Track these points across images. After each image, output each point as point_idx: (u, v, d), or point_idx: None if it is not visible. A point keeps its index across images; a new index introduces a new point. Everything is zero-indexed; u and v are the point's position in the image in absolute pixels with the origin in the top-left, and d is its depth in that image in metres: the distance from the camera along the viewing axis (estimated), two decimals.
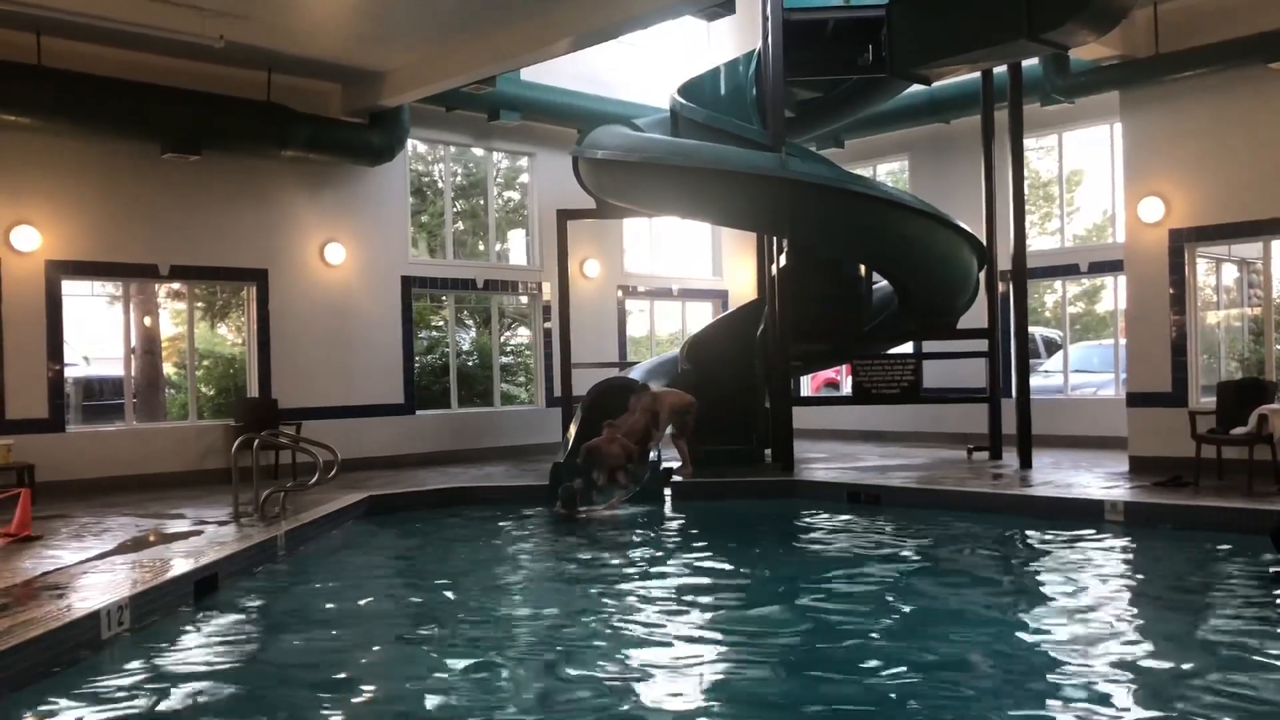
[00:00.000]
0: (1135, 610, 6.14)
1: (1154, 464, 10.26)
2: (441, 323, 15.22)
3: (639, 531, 9.06)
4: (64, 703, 4.60)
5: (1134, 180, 10.99)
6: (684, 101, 12.46)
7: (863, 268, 12.15)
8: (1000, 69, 11.48)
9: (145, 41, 10.53)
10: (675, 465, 11.00)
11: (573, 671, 5.06)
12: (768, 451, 12.10)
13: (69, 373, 11.92)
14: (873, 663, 5.11)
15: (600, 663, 5.19)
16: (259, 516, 8.45)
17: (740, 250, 16.72)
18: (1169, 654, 5.14)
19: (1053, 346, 16.04)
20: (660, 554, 8.20)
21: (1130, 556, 7.57)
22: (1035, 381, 12.98)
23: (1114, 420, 12.05)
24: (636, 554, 8.19)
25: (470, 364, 15.50)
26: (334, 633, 6.01)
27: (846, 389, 15.16)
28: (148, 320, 14.45)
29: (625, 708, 4.54)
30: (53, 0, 9.07)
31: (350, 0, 10.23)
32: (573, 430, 11.32)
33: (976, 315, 12.15)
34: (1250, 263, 11.62)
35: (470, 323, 16.25)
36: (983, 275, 11.93)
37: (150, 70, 11.11)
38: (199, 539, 7.69)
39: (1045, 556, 7.59)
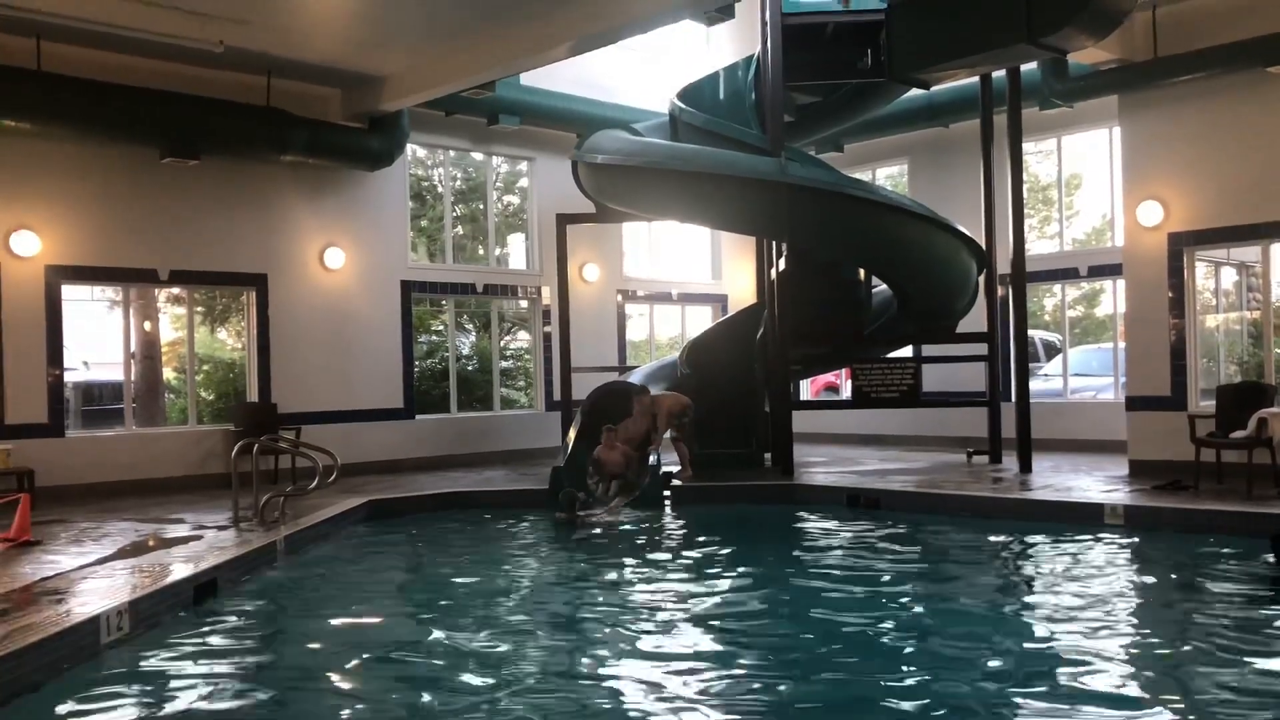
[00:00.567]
0: (1134, 614, 6.14)
1: (1153, 468, 10.25)
2: (441, 327, 15.22)
3: (639, 536, 9.06)
4: (63, 708, 4.59)
5: (1133, 184, 10.99)
6: (683, 106, 12.48)
7: (862, 272, 12.15)
8: (999, 73, 11.48)
9: (145, 46, 10.53)
10: (675, 469, 10.99)
11: (572, 675, 5.06)
12: (767, 455, 12.10)
13: (69, 378, 11.94)
14: (872, 666, 5.11)
15: (600, 666, 5.19)
16: (258, 521, 8.44)
17: (739, 254, 16.72)
18: (1168, 657, 5.13)
19: (1052, 350, 16.05)
20: (660, 558, 8.19)
21: (1130, 560, 7.56)
22: (1035, 385, 12.99)
23: (1113, 424, 12.05)
24: (637, 558, 8.18)
25: (470, 368, 15.51)
26: (333, 637, 6.01)
27: (846, 393, 15.16)
28: (147, 325, 14.47)
29: (625, 711, 4.54)
30: (53, 5, 9.10)
31: (349, 5, 10.25)
32: (572, 434, 11.32)
33: (976, 319, 12.16)
34: (1249, 266, 11.61)
35: (470, 327, 16.26)
36: (982, 279, 11.94)
37: (150, 75, 11.11)
38: (198, 544, 7.69)
39: (1045, 560, 7.59)
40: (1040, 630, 5.77)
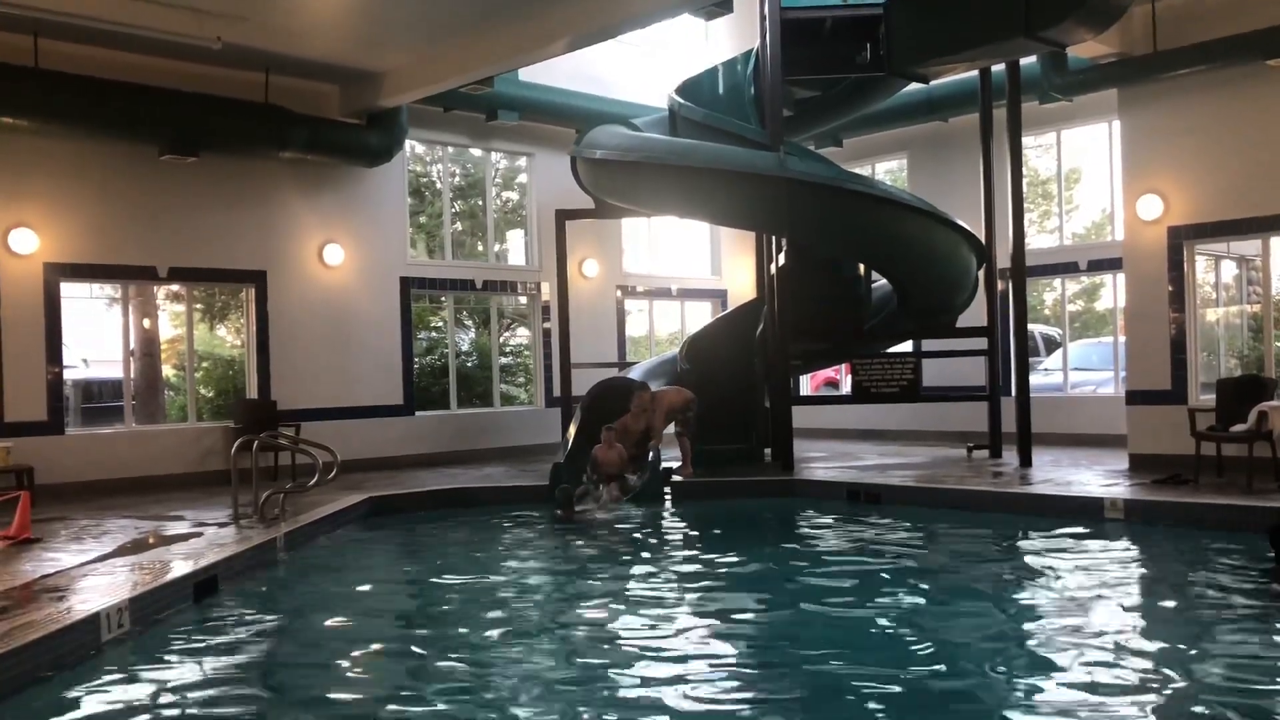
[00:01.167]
0: (1134, 608, 6.13)
1: (1154, 461, 10.26)
2: (440, 323, 15.21)
3: (639, 531, 9.05)
4: (64, 706, 4.59)
5: (1132, 178, 10.99)
6: (682, 101, 12.46)
7: (862, 266, 12.14)
8: (998, 67, 11.47)
9: (143, 43, 10.52)
10: (675, 465, 10.99)
11: (573, 671, 5.06)
12: (767, 451, 12.11)
13: (68, 375, 11.92)
14: (872, 660, 5.11)
15: (601, 662, 5.19)
16: (258, 518, 8.45)
17: (739, 249, 16.71)
18: (1167, 651, 5.13)
19: (1052, 344, 16.04)
20: (660, 554, 8.20)
21: (1130, 554, 7.56)
22: (1035, 380, 12.98)
23: (1113, 418, 12.05)
24: (637, 554, 8.19)
25: (469, 365, 15.50)
26: (334, 635, 6.00)
27: (846, 388, 15.16)
28: (146, 322, 14.44)
29: (625, 707, 4.54)
30: (51, 2, 9.07)
31: (348, 1, 10.23)
32: (572, 430, 11.32)
33: (976, 313, 12.15)
34: (1249, 260, 11.62)
35: (469, 323, 16.24)
36: (982, 273, 11.92)
37: (148, 72, 11.10)
38: (198, 541, 7.69)
39: (1045, 554, 7.59)
40: (1040, 625, 5.77)
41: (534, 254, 15.08)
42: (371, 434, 12.98)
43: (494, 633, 5.79)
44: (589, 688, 4.79)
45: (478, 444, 13.96)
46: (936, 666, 5.05)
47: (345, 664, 5.34)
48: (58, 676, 4.90)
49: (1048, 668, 4.98)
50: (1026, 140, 12.65)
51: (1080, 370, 14.77)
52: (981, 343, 12.02)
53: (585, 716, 4.41)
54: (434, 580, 7.42)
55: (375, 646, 5.75)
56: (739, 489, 10.47)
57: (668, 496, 10.31)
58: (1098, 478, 9.95)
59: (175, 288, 12.99)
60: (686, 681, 4.82)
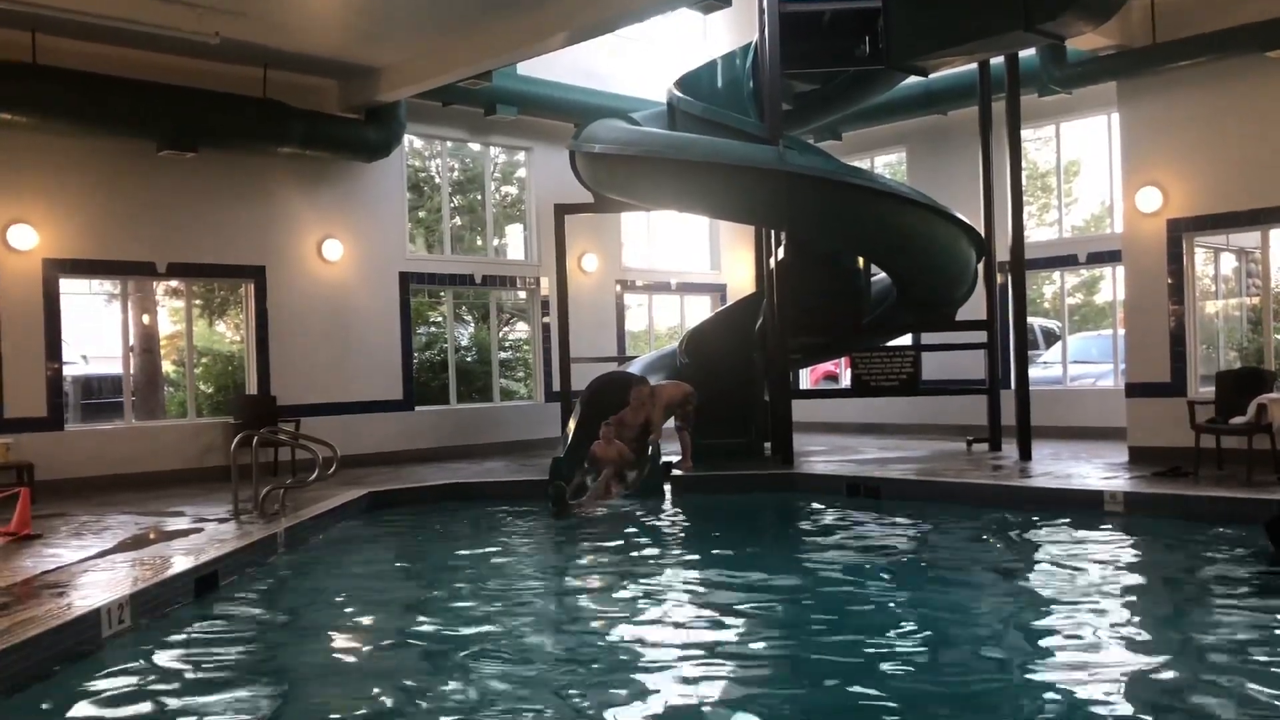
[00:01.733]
0: (1134, 600, 6.14)
1: (1153, 454, 10.26)
2: (440, 318, 15.21)
3: (640, 526, 9.06)
4: (64, 701, 4.59)
5: (1132, 170, 10.98)
6: (681, 95, 12.44)
7: (861, 260, 12.14)
8: (997, 60, 11.45)
9: (141, 39, 10.50)
10: (675, 459, 10.99)
11: (574, 666, 5.06)
12: (767, 445, 12.10)
13: (67, 371, 11.93)
14: (872, 654, 5.11)
15: (601, 657, 5.19)
16: (259, 514, 8.45)
17: (738, 244, 16.71)
18: (1167, 643, 5.14)
19: (1051, 337, 16.05)
20: (660, 548, 8.20)
21: (1129, 547, 7.57)
22: (1034, 373, 12.98)
23: (1113, 411, 12.04)
24: (636, 548, 8.18)
25: (469, 359, 15.50)
26: (334, 629, 6.02)
27: (845, 382, 15.16)
28: (146, 318, 14.45)
29: (625, 700, 4.54)
30: None
31: None
32: (572, 425, 11.31)
33: (975, 307, 12.14)
34: (1249, 252, 11.61)
35: (469, 318, 16.25)
36: (981, 266, 11.92)
37: (146, 67, 11.08)
38: (199, 537, 7.69)
39: (1045, 547, 7.60)
40: (1039, 617, 5.78)
41: (533, 248, 15.07)
42: (371, 429, 12.98)
43: (494, 626, 5.80)
44: (590, 681, 4.80)
45: (477, 439, 13.97)
46: (933, 659, 5.06)
47: (346, 658, 5.35)
48: (59, 672, 4.90)
49: (1047, 660, 4.99)
50: (1026, 133, 12.63)
51: (1080, 363, 14.77)
52: (981, 336, 12.02)
53: (587, 710, 4.42)
54: (434, 574, 7.43)
55: (375, 641, 5.76)
56: (739, 483, 10.47)
57: (668, 491, 10.31)
58: (1097, 470, 9.96)
59: (174, 283, 12.98)
60: (686, 675, 4.83)
